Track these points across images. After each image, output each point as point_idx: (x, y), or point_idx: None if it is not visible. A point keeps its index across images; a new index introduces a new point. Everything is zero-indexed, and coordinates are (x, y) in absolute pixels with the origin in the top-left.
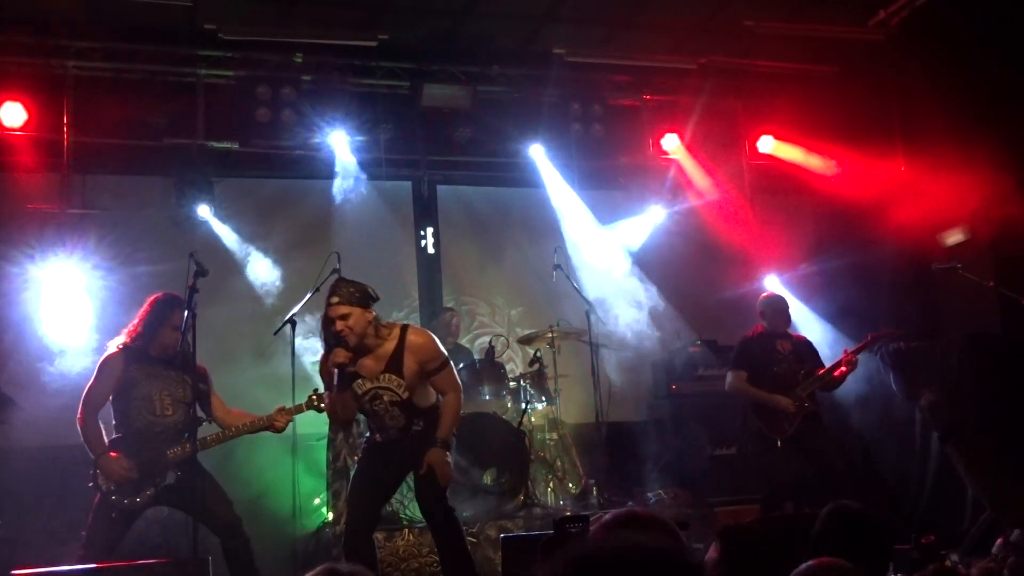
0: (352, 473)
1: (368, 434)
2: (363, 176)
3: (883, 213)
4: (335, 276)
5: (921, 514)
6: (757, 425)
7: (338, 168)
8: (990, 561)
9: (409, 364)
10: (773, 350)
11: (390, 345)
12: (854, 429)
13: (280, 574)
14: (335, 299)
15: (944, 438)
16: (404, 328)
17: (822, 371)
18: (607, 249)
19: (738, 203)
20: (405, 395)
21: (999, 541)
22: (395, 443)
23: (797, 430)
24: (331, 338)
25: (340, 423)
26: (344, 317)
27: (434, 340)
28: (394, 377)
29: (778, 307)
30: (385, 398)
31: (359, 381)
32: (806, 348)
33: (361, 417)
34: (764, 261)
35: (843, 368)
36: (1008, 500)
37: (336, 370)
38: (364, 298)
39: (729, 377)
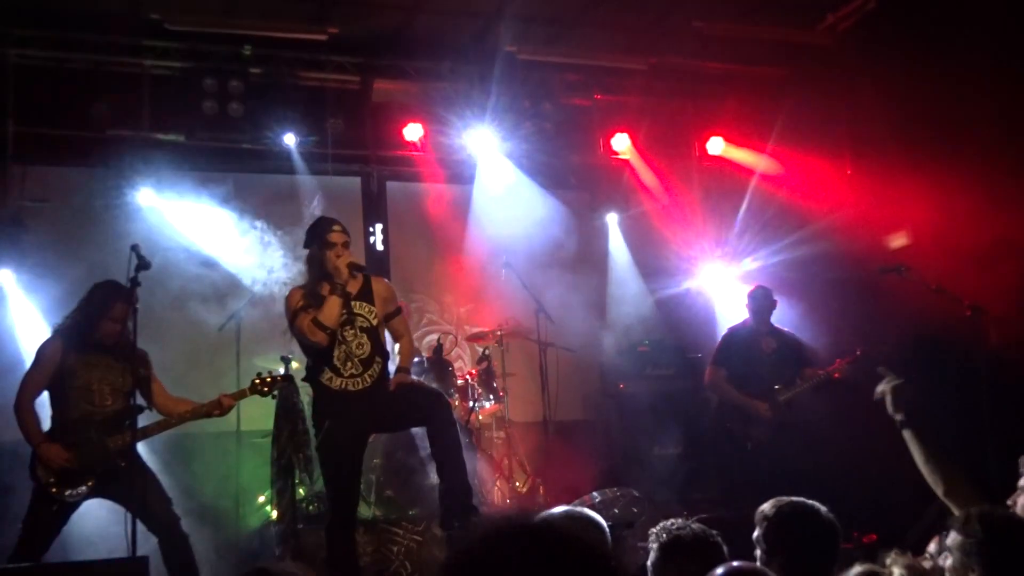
0: (299, 468)
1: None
2: (311, 171)
3: (829, 215)
4: None
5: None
6: (728, 426)
7: (285, 163)
8: (920, 559)
9: (376, 302)
10: (757, 348)
11: (356, 284)
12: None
13: (223, 573)
14: (341, 226)
15: (905, 423)
16: (367, 275)
17: (804, 379)
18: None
19: (687, 203)
20: (375, 322)
21: (935, 539)
22: (354, 393)
23: (770, 438)
24: (331, 259)
25: (315, 342)
26: (347, 244)
27: (392, 287)
28: (366, 305)
29: (763, 301)
30: (357, 323)
31: (333, 300)
32: (791, 348)
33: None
34: (709, 261)
35: (834, 375)
36: (961, 494)
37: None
38: None
39: (708, 372)
